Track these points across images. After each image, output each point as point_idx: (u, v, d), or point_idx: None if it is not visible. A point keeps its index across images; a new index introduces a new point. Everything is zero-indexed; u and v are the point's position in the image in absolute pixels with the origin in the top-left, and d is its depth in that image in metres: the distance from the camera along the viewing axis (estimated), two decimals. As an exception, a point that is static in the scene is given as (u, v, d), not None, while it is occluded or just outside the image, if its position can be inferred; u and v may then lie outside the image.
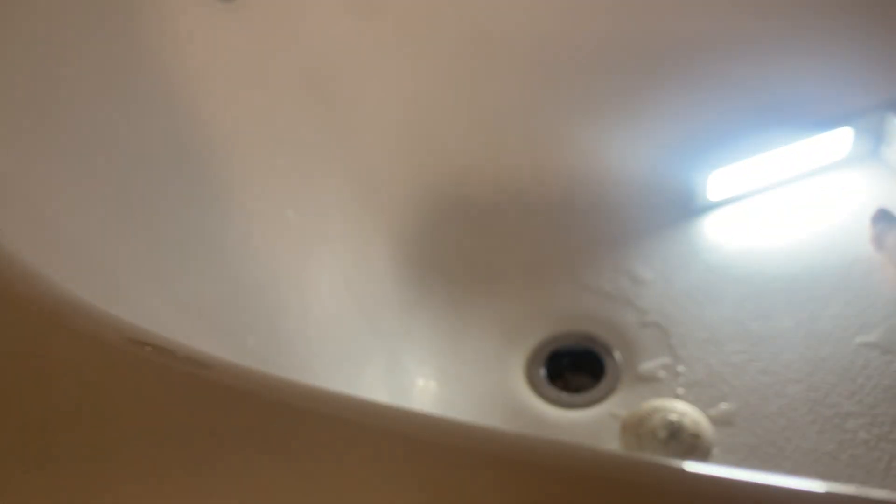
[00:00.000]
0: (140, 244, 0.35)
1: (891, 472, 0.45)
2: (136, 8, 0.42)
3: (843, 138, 0.63)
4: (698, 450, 0.47)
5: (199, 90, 0.45)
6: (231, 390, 0.21)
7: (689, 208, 0.64)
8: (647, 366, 0.54)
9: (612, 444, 0.49)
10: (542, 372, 0.55)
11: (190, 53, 0.45)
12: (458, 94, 0.64)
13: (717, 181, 0.62)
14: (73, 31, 0.37)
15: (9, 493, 0.18)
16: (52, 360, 0.21)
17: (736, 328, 0.54)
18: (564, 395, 0.54)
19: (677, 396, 0.51)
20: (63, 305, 0.23)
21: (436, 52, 0.62)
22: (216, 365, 0.22)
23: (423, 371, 0.55)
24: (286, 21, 0.55)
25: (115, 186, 0.35)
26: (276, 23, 0.54)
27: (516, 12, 0.64)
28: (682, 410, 0.49)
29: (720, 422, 0.49)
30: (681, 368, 0.53)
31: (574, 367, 0.57)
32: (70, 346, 0.21)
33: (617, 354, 0.55)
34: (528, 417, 0.53)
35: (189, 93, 0.44)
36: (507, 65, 0.65)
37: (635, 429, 0.49)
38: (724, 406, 0.50)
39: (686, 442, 0.48)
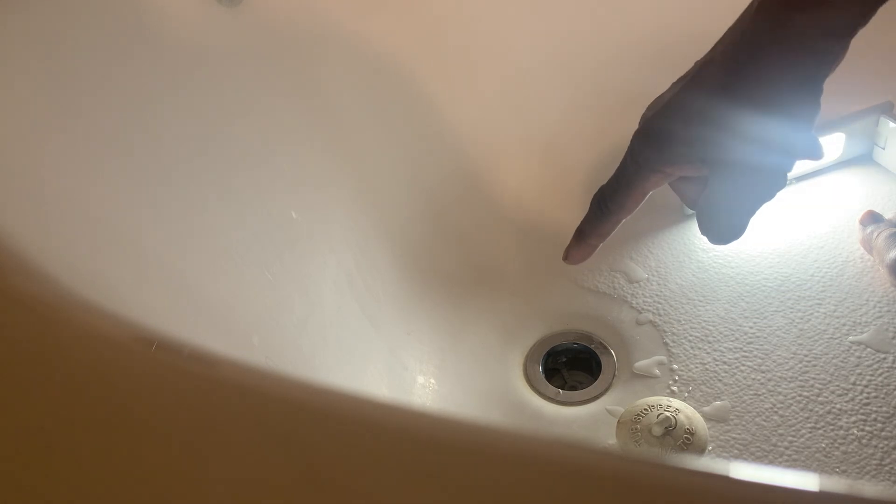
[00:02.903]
0: (146, 242, 0.35)
1: (883, 469, 0.45)
2: (146, 11, 0.42)
3: (835, 143, 0.64)
4: (693, 446, 0.48)
5: (205, 92, 0.45)
6: (237, 387, 0.21)
7: (684, 211, 0.64)
8: (642, 364, 0.54)
9: (608, 439, 0.50)
10: (540, 369, 0.56)
11: (195, 56, 0.46)
12: (458, 94, 0.64)
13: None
14: (79, 31, 0.38)
15: (12, 494, 0.18)
16: (57, 359, 0.21)
17: (730, 327, 0.55)
18: (561, 393, 0.54)
19: (672, 394, 0.52)
20: (68, 303, 0.23)
21: (436, 52, 0.63)
22: (222, 363, 0.22)
23: (423, 369, 0.55)
24: (289, 24, 0.55)
25: (122, 185, 0.35)
26: (279, 25, 0.54)
27: (516, 11, 0.64)
28: (677, 407, 0.50)
29: (714, 419, 0.50)
30: (676, 366, 0.53)
31: (571, 364, 0.58)
32: (75, 344, 0.21)
33: (613, 352, 0.56)
34: (526, 414, 0.53)
35: (195, 95, 0.44)
36: (506, 65, 0.65)
37: (631, 425, 0.49)
38: (718, 403, 0.50)
39: (681, 438, 0.48)
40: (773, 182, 0.37)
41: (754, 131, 0.36)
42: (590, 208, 0.43)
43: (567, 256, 0.44)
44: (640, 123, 0.40)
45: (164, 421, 0.19)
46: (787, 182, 0.64)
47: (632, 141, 0.40)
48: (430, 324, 0.58)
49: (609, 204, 0.42)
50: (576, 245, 0.44)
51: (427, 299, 0.59)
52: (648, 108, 0.39)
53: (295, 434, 0.18)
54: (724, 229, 0.39)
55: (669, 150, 0.38)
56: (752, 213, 0.39)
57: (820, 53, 0.34)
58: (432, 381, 0.55)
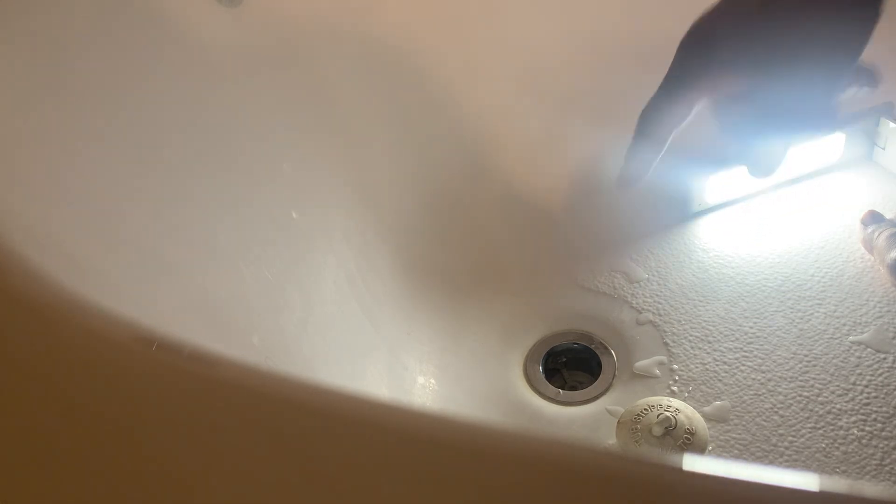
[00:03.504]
0: (146, 242, 0.35)
1: (883, 469, 0.45)
2: (145, 11, 0.42)
3: (835, 143, 0.64)
4: (693, 446, 0.48)
5: (205, 93, 0.45)
6: (237, 387, 0.21)
7: (684, 211, 0.64)
8: (642, 363, 0.54)
9: (608, 439, 0.50)
10: (540, 369, 0.56)
11: (195, 56, 0.46)
12: (459, 95, 0.64)
13: (712, 185, 0.63)
14: (78, 32, 0.38)
15: (12, 493, 0.18)
16: (57, 359, 0.21)
17: (730, 327, 0.55)
18: (562, 393, 0.54)
19: (672, 394, 0.52)
20: (67, 303, 0.23)
21: (437, 51, 0.62)
22: (222, 363, 0.22)
23: (423, 369, 0.55)
24: (290, 23, 0.55)
25: (122, 185, 0.35)
26: (280, 25, 0.54)
27: (518, 9, 0.64)
28: (677, 407, 0.50)
29: (714, 419, 0.50)
30: (676, 366, 0.53)
31: (571, 364, 0.58)
32: (75, 344, 0.21)
33: (613, 352, 0.56)
34: (527, 414, 0.53)
35: (195, 95, 0.44)
36: (504, 65, 0.65)
37: (631, 425, 0.49)
38: (718, 403, 0.50)
39: (681, 438, 0.48)
40: (818, 111, 0.35)
41: (801, 49, 0.34)
42: (634, 131, 0.41)
43: (617, 184, 0.42)
44: (688, 30, 0.38)
45: (164, 421, 0.19)
46: (787, 183, 0.64)
47: (679, 47, 0.38)
48: (430, 324, 0.58)
49: (652, 119, 0.40)
50: (624, 171, 0.41)
51: (427, 299, 0.59)
52: (698, 18, 0.38)
53: (295, 434, 0.18)
54: (761, 154, 0.38)
55: (716, 55, 0.36)
56: (791, 139, 0.37)
57: None
58: (432, 381, 0.55)
